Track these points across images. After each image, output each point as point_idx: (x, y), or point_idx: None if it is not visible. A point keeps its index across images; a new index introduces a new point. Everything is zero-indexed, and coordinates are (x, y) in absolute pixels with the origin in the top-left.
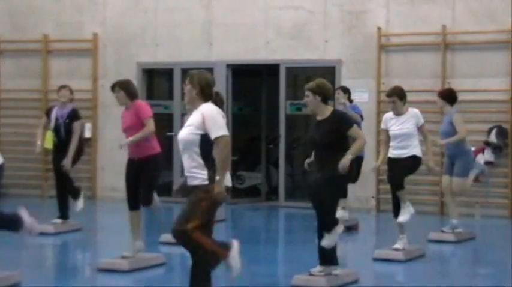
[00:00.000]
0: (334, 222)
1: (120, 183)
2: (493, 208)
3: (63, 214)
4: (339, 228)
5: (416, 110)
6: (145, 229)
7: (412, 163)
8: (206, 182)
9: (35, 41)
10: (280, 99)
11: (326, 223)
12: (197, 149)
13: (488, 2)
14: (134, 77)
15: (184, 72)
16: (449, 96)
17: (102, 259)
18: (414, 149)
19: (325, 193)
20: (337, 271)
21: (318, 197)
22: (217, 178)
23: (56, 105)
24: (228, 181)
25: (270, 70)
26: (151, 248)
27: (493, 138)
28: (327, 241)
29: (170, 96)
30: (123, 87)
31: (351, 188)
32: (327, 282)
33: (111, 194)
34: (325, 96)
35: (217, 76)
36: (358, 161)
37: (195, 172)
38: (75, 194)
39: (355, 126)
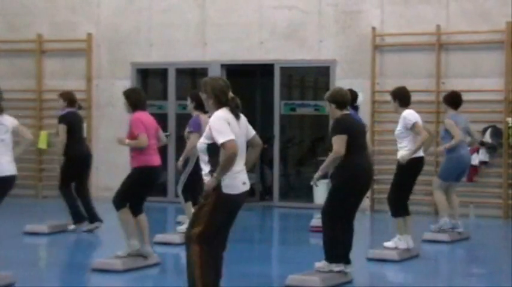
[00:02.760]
0: (328, 242)
1: (115, 183)
2: (487, 208)
3: (91, 217)
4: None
5: (405, 112)
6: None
7: (398, 167)
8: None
9: (29, 41)
10: (275, 99)
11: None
12: (205, 157)
13: (482, 2)
14: (128, 77)
15: (179, 72)
16: (449, 100)
17: (96, 258)
18: (400, 151)
19: (325, 202)
20: (339, 268)
21: None
22: (215, 174)
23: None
24: (244, 185)
25: (264, 70)
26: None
27: (487, 138)
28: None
29: (164, 96)
30: (126, 95)
31: None
32: (321, 282)
33: (106, 194)
34: (339, 102)
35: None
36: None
37: (204, 179)
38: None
39: (337, 136)
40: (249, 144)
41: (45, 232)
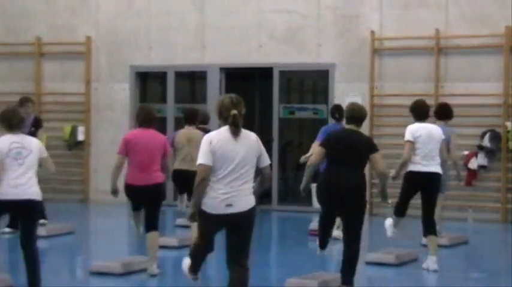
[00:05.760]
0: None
1: None
2: (485, 212)
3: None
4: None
5: (409, 126)
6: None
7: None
8: None
9: (28, 44)
10: (274, 102)
11: None
12: None
13: (481, 6)
14: (127, 80)
15: (178, 75)
16: (434, 111)
17: (94, 261)
18: None
19: None
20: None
21: None
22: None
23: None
24: (228, 207)
25: (263, 73)
26: (143, 251)
27: (486, 142)
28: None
29: (163, 99)
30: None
31: None
32: (319, 285)
33: (104, 197)
34: (345, 117)
35: (211, 79)
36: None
37: None
38: None
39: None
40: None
41: (44, 235)
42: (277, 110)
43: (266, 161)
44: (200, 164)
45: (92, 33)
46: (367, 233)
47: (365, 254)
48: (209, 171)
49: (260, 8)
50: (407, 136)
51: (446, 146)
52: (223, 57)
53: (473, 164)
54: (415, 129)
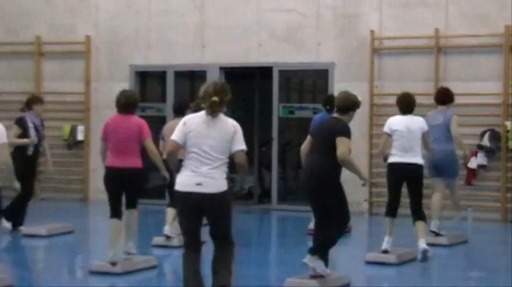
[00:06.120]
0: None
1: None
2: (485, 211)
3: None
4: None
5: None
6: (138, 231)
7: None
8: None
9: (27, 43)
10: (273, 102)
11: None
12: None
13: (481, 6)
14: (127, 80)
15: (177, 74)
16: (438, 97)
17: (94, 261)
18: None
19: None
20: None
21: None
22: None
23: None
24: (198, 185)
25: (263, 73)
26: (143, 251)
27: (485, 141)
28: None
29: (163, 98)
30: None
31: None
32: (319, 285)
33: (103, 196)
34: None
35: (210, 79)
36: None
37: None
38: None
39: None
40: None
41: (43, 234)
42: (277, 109)
43: (238, 146)
44: (171, 140)
45: (92, 33)
46: (366, 233)
47: (365, 254)
48: (177, 147)
49: (260, 7)
50: (385, 128)
51: (427, 138)
52: (222, 56)
53: (472, 163)
54: (393, 123)
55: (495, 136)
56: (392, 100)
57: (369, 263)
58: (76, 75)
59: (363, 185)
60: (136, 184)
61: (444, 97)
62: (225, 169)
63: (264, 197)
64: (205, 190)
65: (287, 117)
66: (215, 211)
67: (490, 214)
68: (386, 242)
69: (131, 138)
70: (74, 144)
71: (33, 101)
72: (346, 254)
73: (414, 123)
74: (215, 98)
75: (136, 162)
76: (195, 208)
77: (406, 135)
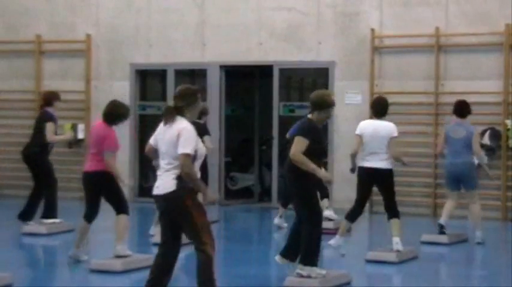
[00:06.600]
0: None
1: None
2: (485, 210)
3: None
4: None
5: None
6: (138, 230)
7: None
8: None
9: (27, 42)
10: (274, 100)
11: None
12: None
13: (481, 4)
14: (127, 78)
15: (178, 73)
16: (455, 109)
17: (94, 259)
18: None
19: None
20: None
21: None
22: None
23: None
24: (156, 188)
25: (263, 71)
26: (143, 249)
27: (486, 140)
28: None
29: (163, 97)
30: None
31: (344, 189)
32: (320, 284)
33: None
34: None
35: (211, 77)
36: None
37: None
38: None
39: None
40: None
41: (44, 232)
42: (277, 108)
43: (179, 149)
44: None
45: (92, 31)
46: (367, 231)
47: (365, 252)
48: (151, 149)
49: (260, 5)
50: (356, 130)
51: (393, 144)
52: (223, 55)
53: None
54: (363, 126)
55: (495, 135)
56: (393, 99)
57: (369, 261)
58: (76, 74)
59: (327, 183)
60: (96, 185)
61: (463, 110)
62: (177, 171)
63: (264, 196)
64: (157, 192)
65: (287, 115)
66: (171, 212)
67: (491, 212)
68: (335, 240)
69: (97, 145)
70: (74, 142)
71: (54, 97)
72: (346, 253)
73: (383, 127)
74: (169, 104)
75: (97, 165)
76: (160, 209)
77: (373, 139)
